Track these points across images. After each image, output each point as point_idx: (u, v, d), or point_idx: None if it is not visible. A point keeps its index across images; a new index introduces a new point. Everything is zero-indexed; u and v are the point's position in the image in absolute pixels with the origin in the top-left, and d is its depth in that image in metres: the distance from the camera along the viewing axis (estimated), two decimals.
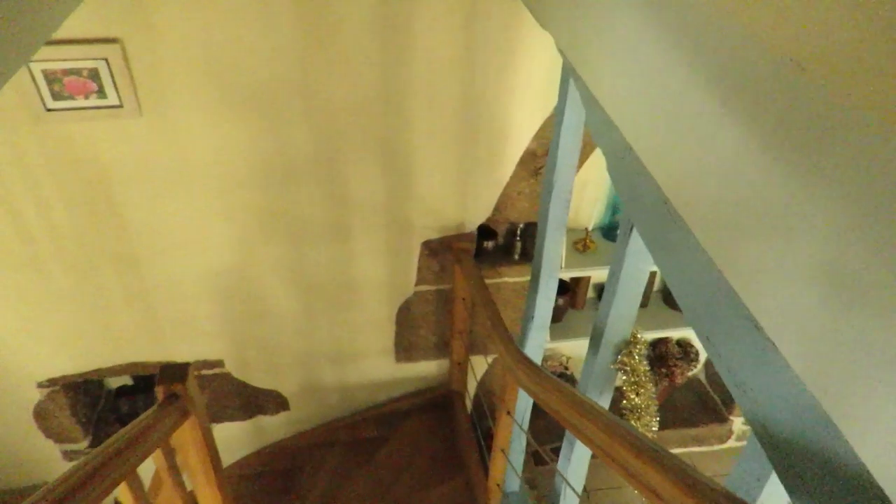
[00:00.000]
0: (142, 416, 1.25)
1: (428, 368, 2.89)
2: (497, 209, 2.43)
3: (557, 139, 1.76)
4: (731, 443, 3.58)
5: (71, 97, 1.76)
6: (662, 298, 3.14)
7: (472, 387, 2.94)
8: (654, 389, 1.54)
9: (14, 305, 2.24)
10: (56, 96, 1.75)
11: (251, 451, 2.90)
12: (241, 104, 1.96)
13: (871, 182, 0.53)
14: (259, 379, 2.70)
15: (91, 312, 2.32)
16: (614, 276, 1.41)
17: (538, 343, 2.24)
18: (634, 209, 1.13)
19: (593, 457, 1.56)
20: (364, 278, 2.50)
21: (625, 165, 1.14)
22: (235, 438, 2.87)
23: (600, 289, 3.10)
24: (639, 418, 1.52)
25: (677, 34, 0.85)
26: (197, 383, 2.58)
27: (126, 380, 2.89)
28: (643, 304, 3.09)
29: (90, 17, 1.66)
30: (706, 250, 0.85)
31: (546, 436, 3.25)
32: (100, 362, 2.47)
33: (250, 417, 2.83)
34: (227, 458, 2.82)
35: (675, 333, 3.32)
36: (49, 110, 1.77)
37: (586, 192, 2.69)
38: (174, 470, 1.34)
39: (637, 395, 1.51)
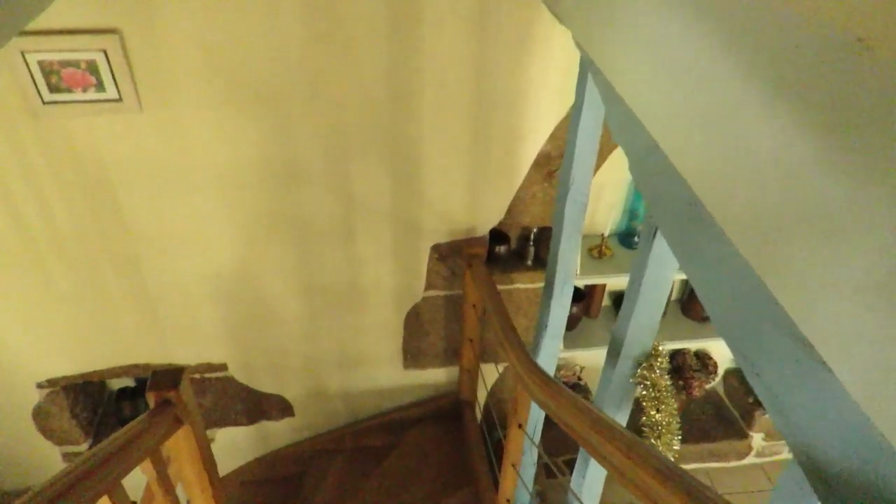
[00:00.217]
0: (129, 425, 1.18)
1: (436, 376, 2.80)
2: (509, 213, 2.35)
3: (574, 140, 1.67)
4: (750, 459, 3.46)
5: (69, 90, 1.70)
6: (680, 308, 3.04)
7: (481, 396, 2.85)
8: (675, 405, 1.44)
9: (13, 305, 2.19)
10: (53, 89, 1.69)
11: (255, 456, 2.83)
12: (244, 101, 1.89)
13: None
14: (263, 383, 2.63)
15: (91, 312, 2.26)
16: (635, 283, 1.32)
17: (552, 352, 2.15)
18: (659, 212, 1.04)
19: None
20: (371, 282, 2.42)
21: (649, 165, 1.05)
22: (239, 443, 2.80)
23: (616, 297, 3.00)
24: (659, 436, 1.43)
25: (717, 17, 0.77)
26: (192, 388, 2.53)
27: (128, 381, 2.83)
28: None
29: (88, 6, 1.60)
30: (744, 257, 0.76)
31: (558, 447, 3.15)
32: (100, 363, 2.41)
33: (254, 422, 2.75)
34: (230, 463, 2.76)
35: (693, 345, 3.21)
36: (46, 103, 1.71)
37: (603, 196, 2.60)
38: (165, 482, 1.26)
39: (658, 411, 1.42)
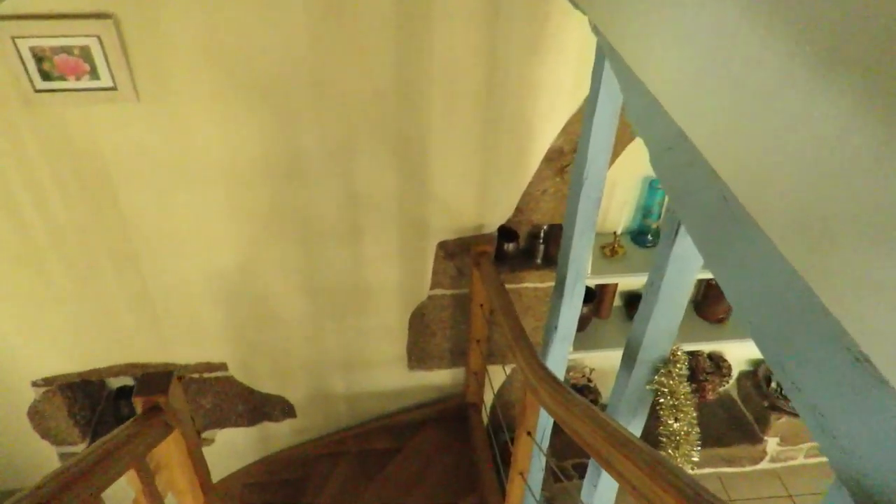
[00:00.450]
0: (113, 433, 1.10)
1: (442, 378, 2.73)
2: (519, 209, 2.26)
3: (589, 132, 1.59)
4: (764, 464, 3.36)
5: (62, 77, 1.63)
6: (694, 308, 2.94)
7: (488, 398, 2.77)
8: (694, 414, 1.36)
9: (7, 301, 2.13)
10: (45, 76, 1.62)
11: (256, 458, 2.76)
12: (247, 93, 1.82)
13: None
14: (264, 384, 2.56)
15: (89, 310, 2.20)
16: (654, 285, 1.23)
17: (561, 355, 2.07)
18: (684, 208, 0.95)
19: None
20: (376, 281, 2.35)
21: (673, 157, 0.97)
22: (239, 445, 2.73)
23: (627, 297, 2.91)
24: (677, 447, 1.34)
25: None
26: (192, 388, 2.46)
27: (128, 380, 2.77)
28: None
29: None
30: (787, 259, 0.67)
31: (566, 450, 3.06)
32: (97, 362, 2.35)
33: (255, 424, 2.69)
34: (231, 465, 2.69)
35: (707, 346, 3.12)
36: (39, 91, 1.64)
37: (615, 193, 2.51)
38: (152, 494, 1.19)
39: (676, 420, 1.34)
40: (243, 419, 2.65)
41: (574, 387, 3.13)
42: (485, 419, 2.79)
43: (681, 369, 1.34)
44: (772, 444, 3.29)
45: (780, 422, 3.18)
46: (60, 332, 2.23)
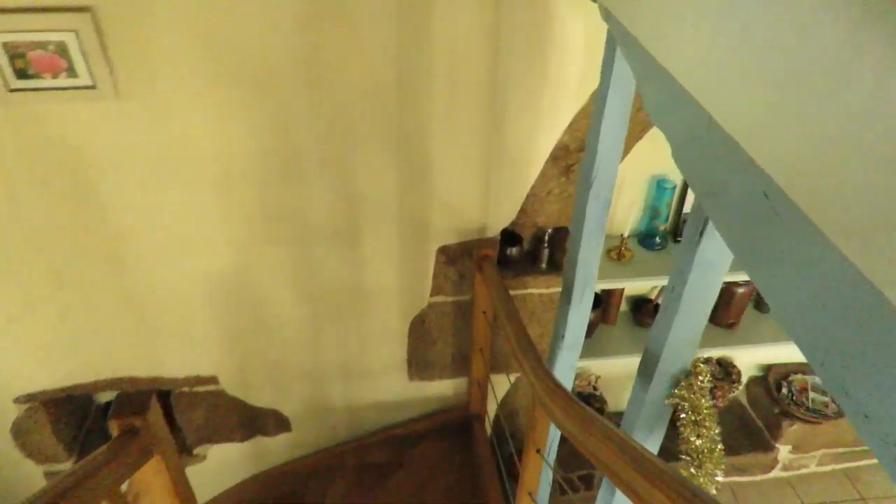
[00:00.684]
0: (85, 460, 1.00)
1: (444, 388, 2.62)
2: (523, 211, 2.17)
3: (598, 128, 1.49)
4: (776, 473, 3.26)
5: (38, 76, 1.53)
6: None
7: (491, 408, 2.67)
8: (718, 430, 1.26)
9: None
10: (20, 74, 1.52)
11: (250, 474, 2.65)
12: (237, 88, 1.72)
13: None
14: (258, 397, 2.46)
15: (71, 321, 2.09)
16: (674, 290, 1.13)
17: (569, 365, 1.97)
18: (714, 205, 0.85)
19: None
20: (374, 287, 2.25)
21: (701, 149, 0.87)
22: (232, 461, 2.62)
23: (634, 302, 2.81)
24: (700, 465, 1.24)
25: None
26: (183, 402, 2.35)
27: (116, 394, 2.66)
28: None
29: None
30: (851, 262, 0.57)
31: (572, 461, 2.96)
32: (82, 377, 2.24)
33: (249, 438, 2.58)
34: (224, 481, 2.58)
35: (717, 352, 3.02)
36: (13, 90, 1.54)
37: (622, 193, 2.42)
38: None
39: (698, 436, 1.23)
40: (236, 434, 2.54)
41: (579, 395, 3.03)
42: (488, 429, 2.68)
43: (702, 382, 1.24)
44: (784, 451, 3.19)
45: (793, 429, 3.08)
46: (41, 346, 2.12)
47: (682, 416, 1.24)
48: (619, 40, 1.27)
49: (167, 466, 1.18)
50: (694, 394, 1.24)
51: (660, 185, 2.40)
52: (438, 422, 2.63)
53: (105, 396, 2.64)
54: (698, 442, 1.23)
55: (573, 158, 2.06)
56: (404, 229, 2.11)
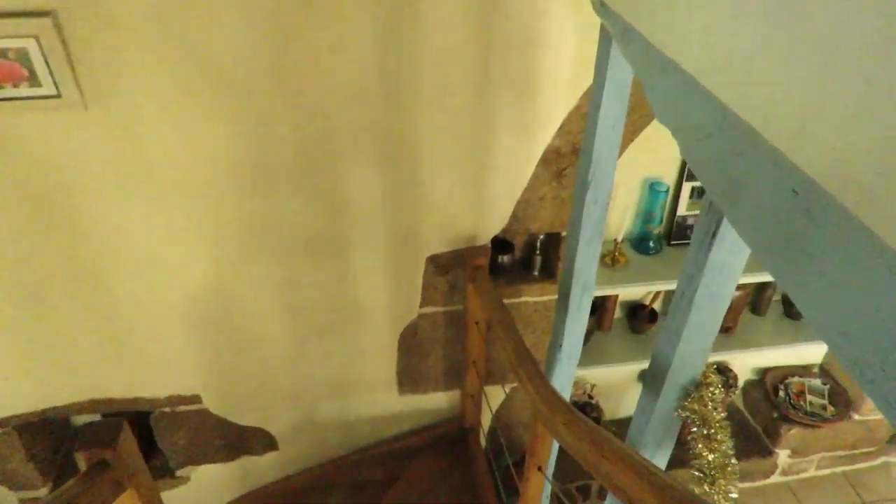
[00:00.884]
0: (52, 496, 0.91)
1: (437, 401, 2.54)
2: (514, 218, 2.10)
3: (594, 129, 1.43)
4: (775, 478, 3.21)
5: None
6: None
7: (486, 419, 2.59)
8: (731, 443, 1.19)
9: None
10: None
11: (236, 496, 2.55)
12: (211, 93, 1.64)
13: None
14: (243, 416, 2.36)
15: (43, 341, 1.98)
16: (684, 297, 1.07)
17: (568, 375, 1.90)
18: (733, 206, 0.79)
19: None
20: (362, 299, 2.16)
21: (716, 146, 0.80)
22: (218, 482, 2.52)
23: (629, 308, 2.75)
24: (713, 482, 1.17)
25: None
26: (164, 423, 2.25)
27: (95, 416, 2.55)
28: None
29: None
30: None
31: (569, 472, 2.88)
32: (55, 399, 2.14)
33: (234, 458, 2.48)
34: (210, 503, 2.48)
35: (712, 357, 2.96)
36: None
37: (616, 197, 2.36)
38: None
39: (711, 451, 1.16)
40: (221, 454, 2.44)
41: (575, 404, 2.96)
42: (483, 442, 2.60)
43: (714, 393, 1.17)
44: (782, 456, 3.14)
45: (792, 433, 3.03)
46: (12, 368, 2.01)
47: (694, 429, 1.17)
48: (615, 35, 1.21)
49: (142, 500, 1.09)
50: (705, 406, 1.17)
51: (653, 188, 2.35)
52: (432, 436, 2.55)
53: (82, 419, 2.53)
54: (711, 457, 1.16)
55: (565, 162, 1.99)
56: (392, 239, 2.03)
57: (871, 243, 0.54)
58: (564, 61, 1.77)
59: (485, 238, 2.12)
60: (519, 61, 1.74)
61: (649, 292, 2.72)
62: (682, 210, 2.42)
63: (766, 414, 3.12)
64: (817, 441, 3.11)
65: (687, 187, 2.37)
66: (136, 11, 1.45)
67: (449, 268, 2.16)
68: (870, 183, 0.53)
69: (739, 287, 2.53)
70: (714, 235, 0.94)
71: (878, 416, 3.11)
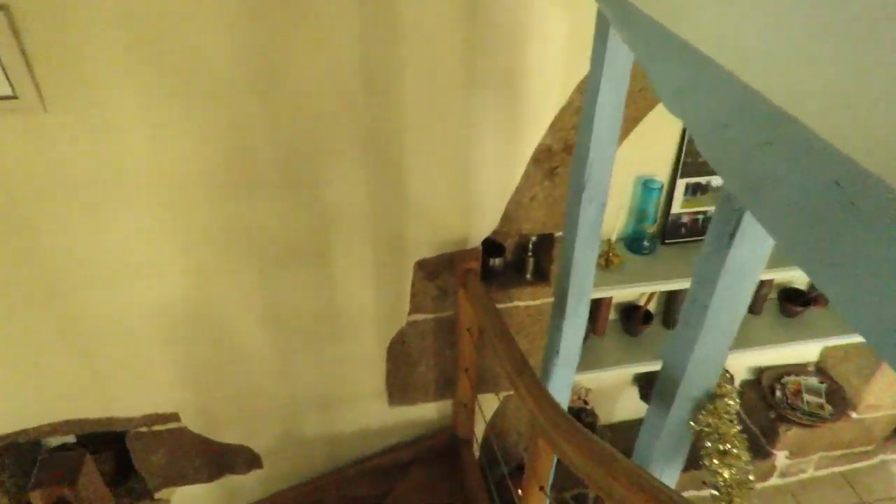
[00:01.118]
0: None
1: (428, 412, 2.44)
2: (505, 219, 2.01)
3: (590, 124, 1.34)
4: (773, 480, 3.15)
5: None
6: None
7: (479, 428, 2.50)
8: (749, 458, 1.11)
9: None
10: None
11: None
12: (183, 94, 1.53)
13: None
14: (224, 433, 2.25)
15: (8, 360, 1.86)
16: (697, 303, 0.98)
17: (565, 383, 1.81)
18: (761, 202, 0.70)
19: None
20: (347, 308, 2.06)
21: (739, 135, 0.72)
22: (200, 503, 2.40)
23: (623, 310, 2.68)
24: (730, 500, 1.09)
25: None
26: (141, 444, 2.13)
27: (68, 437, 2.42)
28: (673, 326, 2.68)
29: None
30: None
31: (565, 480, 2.80)
32: (23, 422, 2.01)
33: (217, 478, 2.36)
34: None
35: None
36: None
37: (609, 195, 2.28)
38: None
39: (727, 467, 1.08)
40: (202, 474, 2.33)
41: (570, 410, 2.88)
42: (477, 452, 2.51)
43: (730, 405, 1.09)
44: (780, 457, 3.08)
45: (790, 433, 2.97)
46: None
47: (708, 444, 1.09)
48: (613, 19, 1.13)
49: None
50: (720, 419, 1.08)
51: (646, 185, 2.28)
52: (424, 448, 2.45)
53: (54, 440, 2.40)
54: (727, 474, 1.08)
55: (557, 160, 1.91)
56: (378, 244, 1.93)
57: None
58: (555, 55, 1.69)
59: (475, 241, 2.03)
60: (506, 55, 1.66)
61: (644, 293, 2.64)
62: (676, 208, 2.35)
63: (762, 414, 3.06)
64: (815, 441, 3.06)
65: (681, 184, 2.30)
66: (101, 6, 1.35)
67: (438, 273, 2.06)
68: None
69: None
70: (733, 235, 0.86)
71: (876, 414, 3.06)
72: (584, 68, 1.73)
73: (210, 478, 2.34)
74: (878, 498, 3.09)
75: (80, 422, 2.07)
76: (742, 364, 3.15)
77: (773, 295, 2.80)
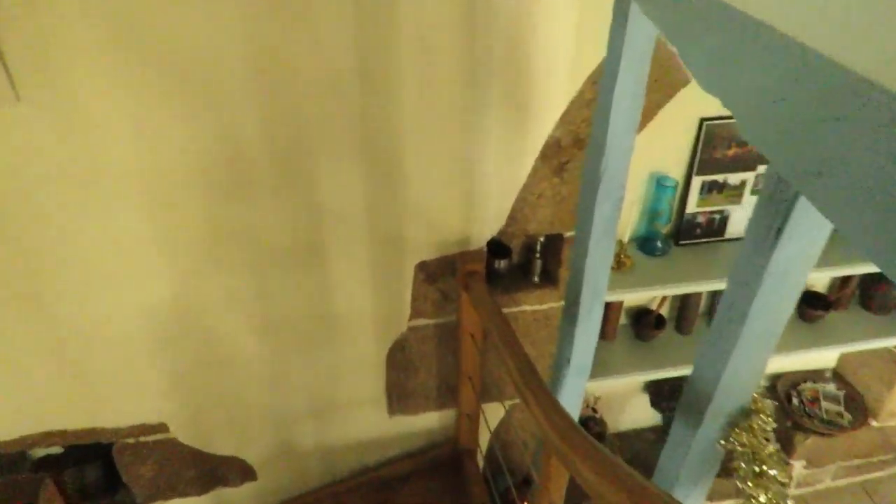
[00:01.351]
0: None
1: (429, 421, 2.33)
2: (511, 218, 1.90)
3: (606, 113, 1.23)
4: (790, 490, 3.02)
5: None
6: (708, 322, 2.61)
7: (483, 438, 2.38)
8: (787, 478, 0.99)
9: None
10: None
11: None
12: (167, 84, 1.43)
13: None
14: (216, 444, 2.13)
15: None
16: (734, 309, 0.87)
17: (577, 392, 1.70)
18: (824, 189, 0.59)
19: None
20: (345, 313, 1.95)
21: (796, 109, 0.60)
22: None
23: (634, 314, 2.56)
24: None
25: None
26: (128, 456, 2.02)
27: (53, 449, 2.31)
28: (686, 332, 2.56)
29: None
30: None
31: (570, 495, 2.68)
32: (5, 433, 1.90)
33: (208, 491, 2.25)
34: None
35: None
36: None
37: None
38: None
39: (764, 490, 0.97)
40: (193, 487, 2.21)
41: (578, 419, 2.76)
42: (481, 463, 2.39)
43: (765, 422, 0.98)
44: (797, 467, 2.96)
45: (807, 442, 2.85)
46: None
47: (743, 465, 0.98)
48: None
49: None
50: (755, 437, 0.97)
51: (660, 183, 2.16)
52: (425, 460, 2.33)
53: (39, 451, 2.29)
54: (763, 499, 0.97)
55: (567, 155, 1.80)
56: (376, 245, 1.82)
57: None
58: (565, 42, 1.58)
59: (479, 241, 1.92)
60: (513, 43, 1.55)
61: (655, 297, 2.53)
62: (691, 207, 2.24)
63: (780, 423, 2.94)
64: (833, 450, 2.94)
65: (697, 182, 2.18)
66: None
67: (440, 275, 1.95)
68: None
69: None
70: (780, 231, 0.74)
71: None
72: (595, 57, 1.63)
73: (202, 490, 2.23)
74: None
75: (62, 433, 1.96)
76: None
77: None
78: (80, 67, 1.35)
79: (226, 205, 1.65)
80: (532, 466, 2.48)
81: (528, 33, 1.56)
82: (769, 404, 0.98)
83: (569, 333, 1.58)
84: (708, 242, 2.31)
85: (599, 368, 2.43)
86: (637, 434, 3.05)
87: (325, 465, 2.31)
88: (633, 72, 1.16)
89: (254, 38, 1.41)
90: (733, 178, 2.19)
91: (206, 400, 2.02)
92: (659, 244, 2.27)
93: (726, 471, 1.09)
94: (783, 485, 1.00)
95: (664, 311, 2.54)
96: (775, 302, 0.82)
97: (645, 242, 2.30)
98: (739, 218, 2.27)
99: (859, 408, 2.89)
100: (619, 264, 2.21)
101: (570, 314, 1.56)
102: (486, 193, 1.81)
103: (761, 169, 2.18)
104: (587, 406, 2.78)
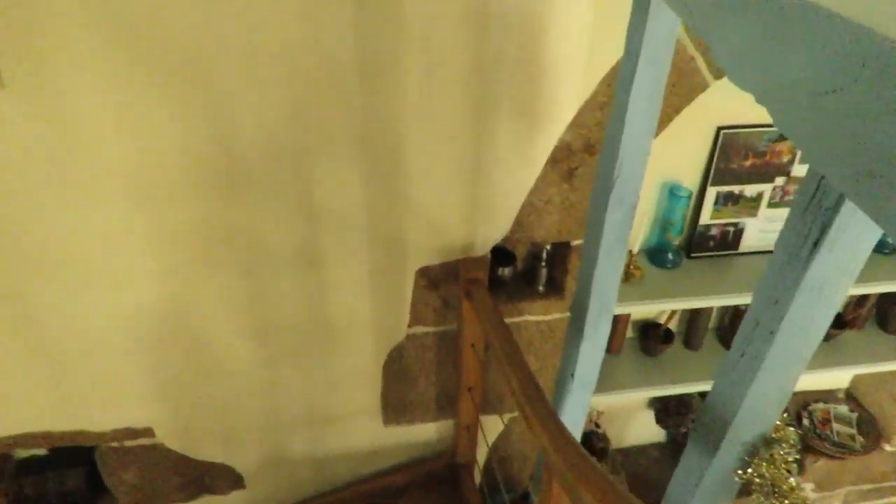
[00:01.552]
0: None
1: (426, 432, 2.25)
2: (517, 225, 1.82)
3: (622, 114, 1.16)
4: None
5: None
6: (718, 338, 2.52)
7: (481, 451, 2.30)
8: None
9: None
10: None
11: None
12: (157, 75, 1.36)
13: None
14: (204, 450, 2.06)
15: None
16: (761, 327, 0.78)
17: (580, 408, 1.62)
18: (878, 190, 0.51)
19: None
20: (341, 318, 1.88)
21: (852, 103, 0.53)
22: None
23: (641, 327, 2.48)
24: None
25: None
26: (113, 460, 1.94)
27: (36, 450, 2.24)
28: (695, 347, 2.48)
29: None
30: None
31: None
32: None
33: (194, 498, 2.18)
34: None
35: None
36: None
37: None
38: None
39: None
40: (180, 494, 2.14)
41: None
42: (478, 478, 2.31)
43: (788, 451, 0.89)
44: (807, 491, 2.86)
45: (817, 465, 2.75)
46: None
47: (763, 499, 0.89)
48: None
49: None
50: (776, 469, 0.89)
51: (673, 192, 2.08)
52: (420, 472, 2.25)
53: (22, 452, 2.21)
54: None
55: (577, 160, 1.72)
56: (375, 249, 1.75)
57: None
58: (578, 41, 1.51)
59: (483, 248, 1.84)
60: (522, 40, 1.48)
61: (663, 311, 2.44)
62: (704, 219, 2.15)
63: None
64: (844, 474, 2.84)
65: (711, 193, 2.10)
66: None
67: (441, 282, 1.88)
68: None
69: None
70: (818, 243, 0.66)
71: None
72: (611, 57, 1.56)
73: (187, 498, 2.16)
74: None
75: (44, 435, 1.89)
76: None
77: None
78: (67, 59, 1.28)
79: (220, 205, 1.58)
80: (531, 483, 2.40)
81: (540, 32, 1.48)
82: (792, 432, 0.89)
83: (574, 346, 1.50)
84: (721, 256, 2.23)
85: (604, 383, 2.34)
86: (641, 450, 2.96)
87: (317, 475, 2.24)
88: (652, 70, 1.08)
89: (251, 33, 1.34)
90: (750, 190, 2.11)
91: (195, 405, 1.95)
92: (670, 256, 2.19)
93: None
94: None
95: (673, 326, 2.45)
96: (807, 320, 0.74)
97: (655, 254, 2.22)
98: (755, 231, 2.19)
99: (872, 431, 2.79)
100: (627, 275, 2.13)
101: (576, 326, 1.48)
102: (492, 198, 1.74)
103: (779, 181, 2.10)
104: (590, 420, 2.69)
